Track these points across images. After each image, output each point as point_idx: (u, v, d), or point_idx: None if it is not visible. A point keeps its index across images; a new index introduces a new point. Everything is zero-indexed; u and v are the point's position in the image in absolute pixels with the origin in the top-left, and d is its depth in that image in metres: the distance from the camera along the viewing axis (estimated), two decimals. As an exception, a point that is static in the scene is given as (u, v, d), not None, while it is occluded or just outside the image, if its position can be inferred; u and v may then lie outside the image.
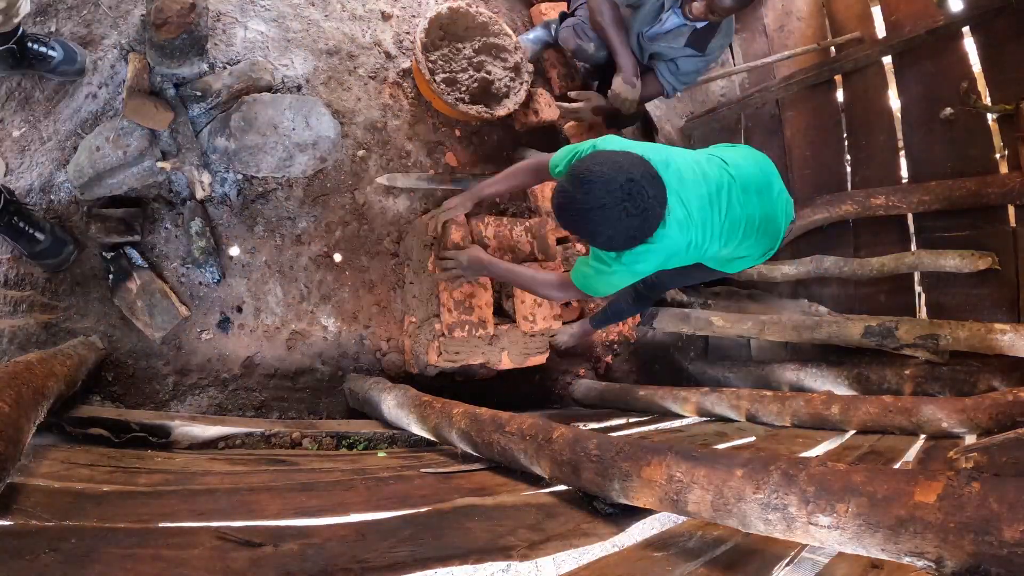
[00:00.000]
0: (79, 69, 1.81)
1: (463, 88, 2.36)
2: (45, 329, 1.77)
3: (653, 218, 1.46)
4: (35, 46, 1.70)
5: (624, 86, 2.30)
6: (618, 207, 1.37)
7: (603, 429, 2.05)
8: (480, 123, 2.54)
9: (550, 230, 2.27)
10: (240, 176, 2.02)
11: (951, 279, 2.34)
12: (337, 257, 2.21)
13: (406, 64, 2.40)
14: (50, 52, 1.73)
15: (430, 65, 2.28)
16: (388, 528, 0.97)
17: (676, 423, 2.27)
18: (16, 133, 1.80)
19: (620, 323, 2.82)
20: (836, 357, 2.49)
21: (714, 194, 1.62)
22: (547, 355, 2.32)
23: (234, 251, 2.03)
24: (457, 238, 2.04)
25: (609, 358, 2.90)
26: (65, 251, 1.74)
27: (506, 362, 2.20)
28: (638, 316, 2.95)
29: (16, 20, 1.53)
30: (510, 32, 2.45)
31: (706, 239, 1.63)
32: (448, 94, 2.27)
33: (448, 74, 2.34)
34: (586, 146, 1.64)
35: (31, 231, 1.65)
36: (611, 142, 1.60)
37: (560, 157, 1.70)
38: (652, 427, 2.16)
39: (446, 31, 2.40)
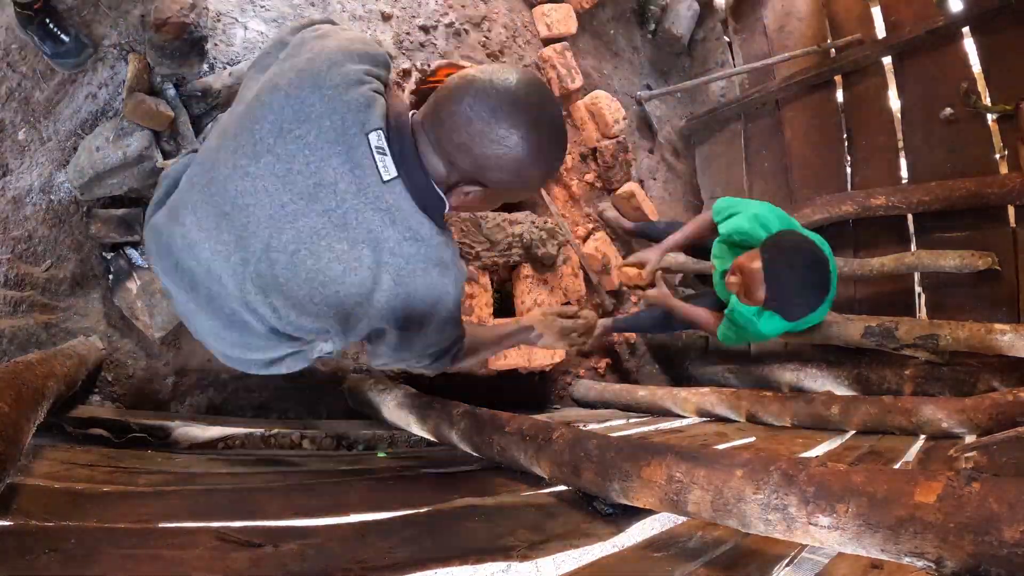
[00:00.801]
0: (79, 63, 1.82)
1: None
2: (45, 329, 1.76)
3: (826, 301, 1.74)
4: (52, 24, 1.74)
5: None
6: (820, 290, 1.67)
7: (603, 429, 2.05)
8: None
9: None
10: (240, 176, 2.02)
11: (951, 279, 2.34)
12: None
13: (406, 64, 2.40)
14: (62, 35, 1.76)
15: None
16: (388, 528, 0.97)
17: (676, 423, 2.27)
18: (20, 136, 1.80)
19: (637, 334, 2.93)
20: (836, 357, 2.49)
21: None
22: (560, 355, 2.32)
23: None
24: (456, 237, 2.04)
25: (609, 358, 2.90)
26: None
27: (508, 362, 2.20)
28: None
29: None
30: None
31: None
32: None
33: None
34: (749, 208, 1.94)
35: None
36: (776, 214, 1.92)
37: (720, 212, 2.02)
38: (652, 427, 2.16)
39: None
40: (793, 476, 0.82)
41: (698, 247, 2.37)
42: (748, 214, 1.91)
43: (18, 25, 1.75)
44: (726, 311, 2.02)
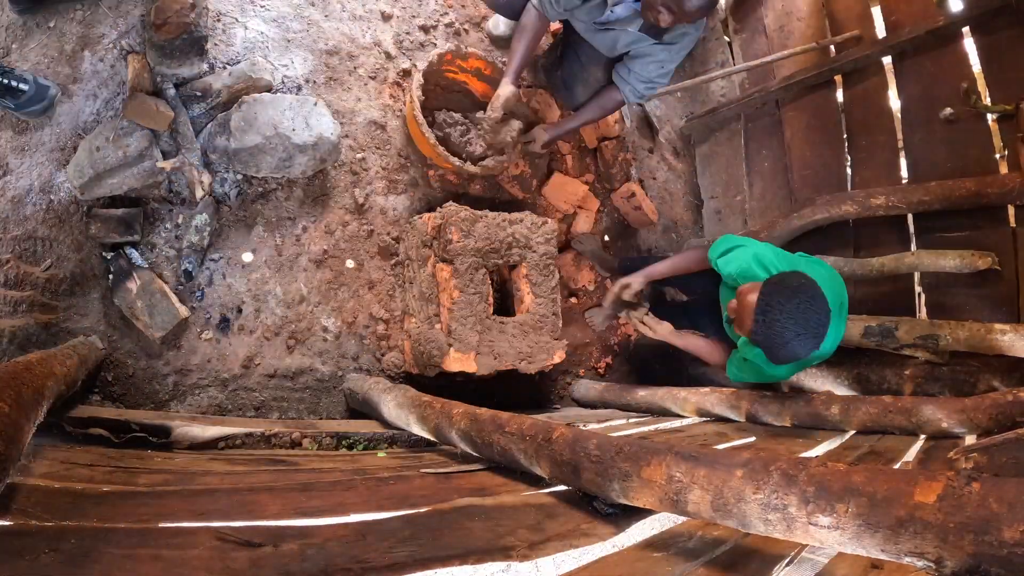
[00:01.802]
0: (45, 107, 1.77)
1: (462, 140, 2.28)
2: (45, 329, 1.77)
3: (817, 345, 1.62)
4: (6, 79, 1.67)
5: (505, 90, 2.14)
6: (811, 339, 1.56)
7: (603, 429, 2.05)
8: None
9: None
10: (240, 176, 2.02)
11: (951, 279, 2.34)
12: (349, 263, 2.22)
13: (406, 64, 2.40)
14: (20, 86, 1.70)
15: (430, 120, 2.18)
16: (388, 528, 0.97)
17: (676, 423, 2.27)
18: (21, 135, 1.80)
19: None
20: (836, 357, 2.48)
21: (836, 311, 1.76)
22: (560, 355, 2.30)
23: (231, 252, 2.03)
24: (456, 237, 2.04)
25: (609, 358, 2.90)
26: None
27: (507, 362, 2.20)
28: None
29: None
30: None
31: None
32: (442, 146, 2.18)
33: (446, 121, 2.26)
34: (750, 247, 1.86)
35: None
36: (778, 255, 1.85)
37: (717, 248, 1.95)
38: (652, 427, 2.16)
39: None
40: (793, 476, 0.82)
41: (680, 280, 2.36)
42: (749, 252, 1.84)
43: None
44: (735, 351, 1.98)
